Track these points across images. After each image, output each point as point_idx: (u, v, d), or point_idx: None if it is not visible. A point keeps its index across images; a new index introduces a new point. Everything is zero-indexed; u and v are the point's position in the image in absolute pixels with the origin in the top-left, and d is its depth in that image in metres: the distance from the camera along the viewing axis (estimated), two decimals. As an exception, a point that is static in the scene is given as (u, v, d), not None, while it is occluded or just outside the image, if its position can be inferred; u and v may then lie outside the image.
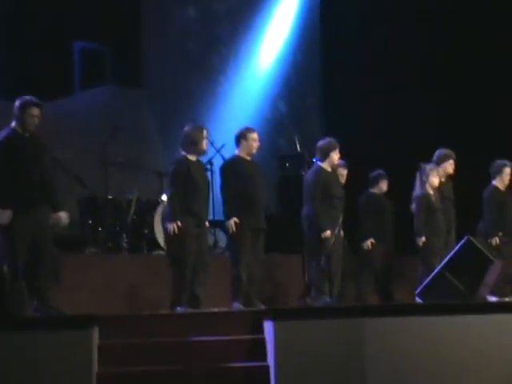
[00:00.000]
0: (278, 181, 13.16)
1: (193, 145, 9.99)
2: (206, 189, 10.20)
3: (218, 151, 12.45)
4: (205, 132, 10.15)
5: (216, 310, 9.66)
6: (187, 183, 9.87)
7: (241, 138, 10.56)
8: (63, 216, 9.04)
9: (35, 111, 9.01)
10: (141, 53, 14.40)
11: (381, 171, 12.21)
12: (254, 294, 10.40)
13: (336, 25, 15.46)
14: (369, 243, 11.89)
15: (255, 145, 10.54)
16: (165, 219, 9.97)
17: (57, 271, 10.11)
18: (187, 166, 9.90)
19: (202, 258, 9.92)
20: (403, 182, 11.80)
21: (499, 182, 12.02)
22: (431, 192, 11.41)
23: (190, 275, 9.77)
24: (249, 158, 10.53)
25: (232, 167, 10.47)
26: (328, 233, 10.52)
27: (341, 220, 10.76)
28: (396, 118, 14.29)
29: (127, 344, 8.32)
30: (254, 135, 10.57)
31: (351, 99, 14.64)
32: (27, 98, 9.15)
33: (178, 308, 9.65)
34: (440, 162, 11.61)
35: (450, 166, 11.65)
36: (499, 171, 12.04)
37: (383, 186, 12.18)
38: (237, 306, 10.12)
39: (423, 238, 11.21)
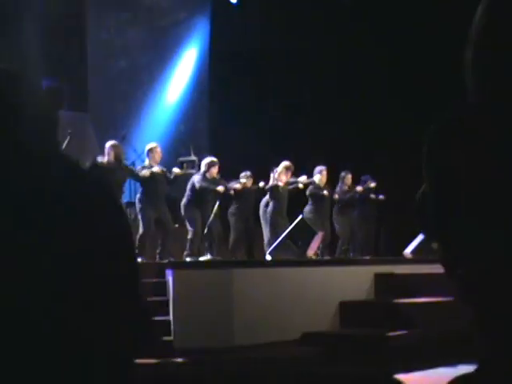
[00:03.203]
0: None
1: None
2: (120, 186, 10.01)
3: (139, 156, 12.41)
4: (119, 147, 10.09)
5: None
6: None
7: (149, 152, 10.47)
8: None
9: None
10: (88, 89, 14.30)
11: (247, 172, 12.17)
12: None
13: (219, 74, 15.56)
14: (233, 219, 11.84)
15: (158, 156, 10.45)
16: None
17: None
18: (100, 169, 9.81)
19: None
20: (263, 177, 11.93)
21: (318, 180, 12.18)
22: (280, 184, 11.54)
23: None
24: (155, 165, 10.36)
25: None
26: (198, 214, 10.60)
27: (217, 204, 10.79)
28: (259, 139, 14.32)
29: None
30: (158, 149, 10.48)
31: (229, 124, 14.66)
32: None
33: None
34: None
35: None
36: (319, 172, 12.19)
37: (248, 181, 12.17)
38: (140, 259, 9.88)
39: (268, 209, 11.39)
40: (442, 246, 1.57)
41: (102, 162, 9.81)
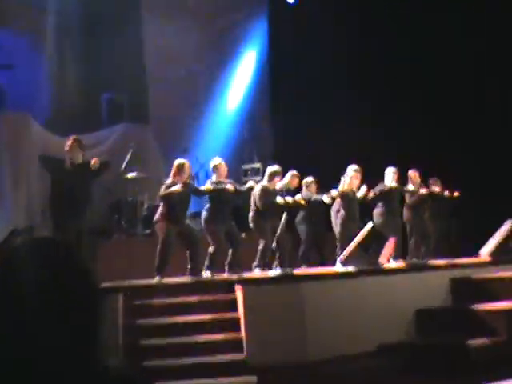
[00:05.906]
0: (242, 184, 13.01)
1: (177, 175, 9.57)
2: (186, 202, 9.69)
3: (202, 166, 12.39)
4: (186, 165, 9.65)
5: (205, 277, 9.38)
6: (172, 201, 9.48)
7: (214, 168, 10.05)
8: None
9: (81, 145, 9.10)
10: (148, 101, 14.31)
11: (310, 177, 11.54)
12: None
13: (278, 78, 15.39)
14: (301, 227, 11.47)
15: (223, 171, 10.04)
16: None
17: (94, 252, 9.94)
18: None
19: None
20: (332, 181, 11.12)
21: (390, 182, 11.40)
22: (353, 188, 10.85)
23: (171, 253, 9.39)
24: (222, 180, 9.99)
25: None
26: (267, 225, 10.10)
27: (284, 216, 10.33)
28: (321, 141, 14.03)
29: (142, 304, 8.35)
30: (222, 164, 10.04)
31: (291, 127, 14.46)
32: (75, 137, 9.14)
33: (158, 276, 9.20)
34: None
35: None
36: (389, 174, 11.38)
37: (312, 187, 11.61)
38: (207, 274, 9.53)
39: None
40: None
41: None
